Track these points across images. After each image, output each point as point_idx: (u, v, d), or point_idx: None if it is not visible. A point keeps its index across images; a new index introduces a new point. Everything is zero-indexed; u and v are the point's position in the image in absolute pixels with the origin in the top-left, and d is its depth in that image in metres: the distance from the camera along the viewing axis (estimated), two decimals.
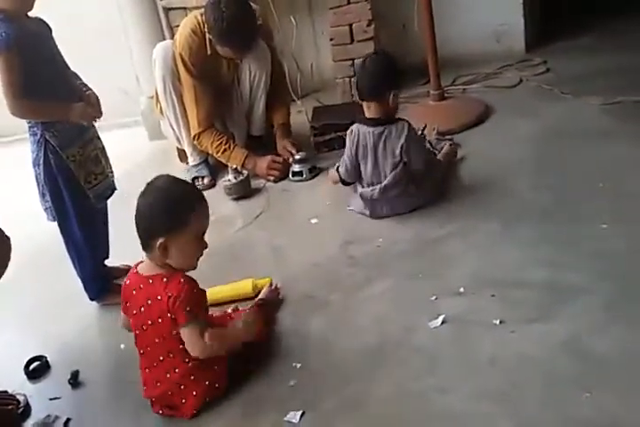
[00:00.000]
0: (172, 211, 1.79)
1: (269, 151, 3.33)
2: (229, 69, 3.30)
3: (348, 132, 2.63)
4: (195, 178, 3.34)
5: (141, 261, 1.89)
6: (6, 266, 1.96)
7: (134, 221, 1.82)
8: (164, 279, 1.78)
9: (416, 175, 2.57)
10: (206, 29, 3.05)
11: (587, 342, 1.73)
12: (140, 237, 1.82)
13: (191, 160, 3.42)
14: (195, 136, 3.27)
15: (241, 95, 3.38)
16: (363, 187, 2.63)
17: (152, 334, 1.80)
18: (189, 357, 1.80)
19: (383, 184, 2.54)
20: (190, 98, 3.22)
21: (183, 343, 1.79)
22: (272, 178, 3.20)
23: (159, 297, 1.77)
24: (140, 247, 1.84)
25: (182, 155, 3.53)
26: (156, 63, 3.28)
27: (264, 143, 3.48)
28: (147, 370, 1.86)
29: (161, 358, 1.81)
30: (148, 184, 1.83)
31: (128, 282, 1.85)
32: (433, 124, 3.03)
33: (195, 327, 1.77)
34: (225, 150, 3.23)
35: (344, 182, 2.73)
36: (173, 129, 3.39)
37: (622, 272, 1.96)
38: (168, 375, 1.81)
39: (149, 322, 1.80)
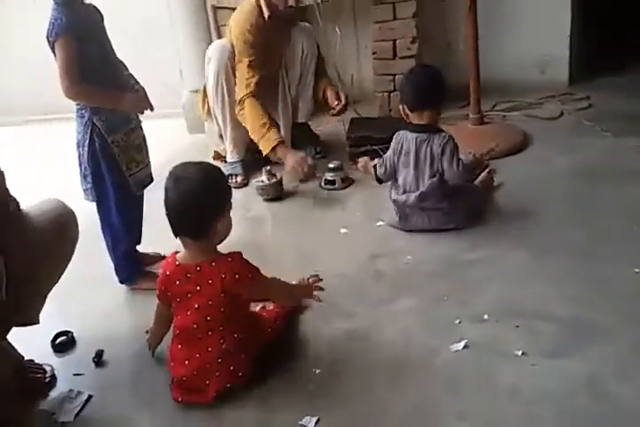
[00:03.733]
0: (223, 190, 1.89)
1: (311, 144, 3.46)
2: (280, 48, 3.40)
3: (395, 136, 2.69)
4: (229, 175, 3.37)
5: (176, 252, 1.92)
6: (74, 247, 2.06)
7: (175, 216, 1.83)
8: (213, 263, 1.84)
9: (451, 193, 2.60)
10: None
11: (608, 384, 1.74)
12: (191, 227, 1.84)
13: (229, 157, 3.46)
14: (241, 100, 3.23)
15: (289, 83, 3.47)
16: (398, 194, 2.67)
17: (196, 317, 1.86)
18: (225, 338, 1.86)
19: (420, 191, 2.58)
20: (244, 65, 3.22)
21: (224, 324, 1.86)
22: (299, 172, 3.19)
23: (210, 281, 1.83)
24: (187, 236, 1.85)
25: (216, 155, 3.58)
26: (212, 59, 3.33)
27: (308, 134, 3.59)
28: (179, 346, 1.90)
29: (199, 336, 1.86)
30: (176, 175, 1.84)
31: (169, 273, 1.89)
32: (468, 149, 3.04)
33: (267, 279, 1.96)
34: (263, 125, 3.18)
35: (378, 179, 2.77)
36: (219, 125, 3.42)
37: None
38: (198, 355, 1.86)
39: (196, 306, 1.85)
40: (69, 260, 2.05)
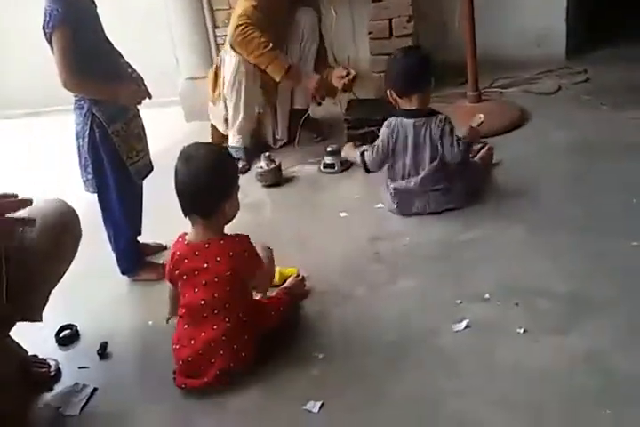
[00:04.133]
0: (232, 171, 1.97)
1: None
2: (283, 30, 3.36)
3: (386, 123, 2.66)
4: None
5: (185, 233, 1.96)
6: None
7: (186, 195, 1.88)
8: (221, 241, 1.89)
9: (451, 173, 2.59)
10: None
11: (609, 357, 1.75)
12: (201, 206, 1.88)
13: (232, 142, 3.43)
14: (244, 24, 3.14)
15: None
16: (396, 181, 2.66)
17: (203, 294, 1.88)
18: (231, 316, 1.89)
19: (421, 176, 2.58)
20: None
21: (230, 302, 1.89)
22: (318, 98, 3.20)
23: (218, 258, 1.87)
24: (197, 215, 1.88)
25: (215, 135, 3.56)
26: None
27: (307, 120, 3.56)
28: (185, 326, 1.92)
29: (205, 314, 1.89)
30: (187, 156, 1.88)
31: (179, 253, 1.92)
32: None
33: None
34: (271, 50, 3.15)
35: (365, 168, 2.76)
36: (227, 111, 3.39)
37: None
38: (204, 333, 1.88)
39: (203, 282, 1.88)
40: (71, 261, 2.06)
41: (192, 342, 1.89)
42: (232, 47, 3.21)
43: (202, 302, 1.88)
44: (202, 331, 1.89)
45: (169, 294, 2.04)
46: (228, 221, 1.96)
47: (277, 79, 3.23)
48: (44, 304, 1.97)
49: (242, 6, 3.20)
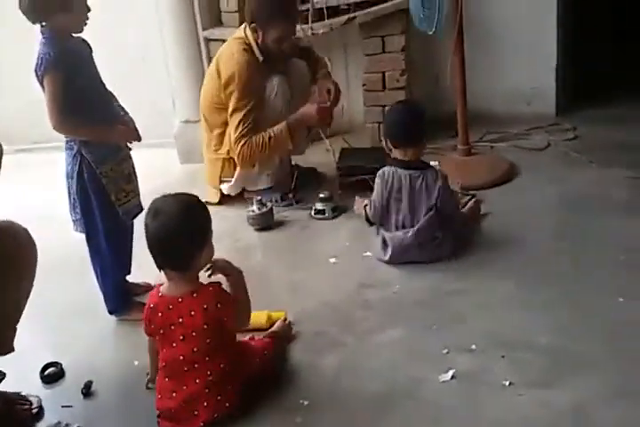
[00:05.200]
0: (203, 222, 1.89)
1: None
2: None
3: (380, 173, 2.71)
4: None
5: (160, 284, 1.94)
6: (34, 272, 2.03)
7: (157, 251, 1.85)
8: (194, 295, 1.86)
9: (444, 221, 2.63)
10: (253, 26, 3.13)
11: (593, 412, 1.76)
12: (173, 261, 1.86)
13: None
14: (243, 136, 3.15)
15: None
16: (390, 231, 2.69)
17: (182, 350, 1.86)
18: (213, 369, 1.87)
19: (416, 227, 2.61)
20: (243, 113, 3.15)
21: (210, 355, 1.87)
22: (329, 121, 3.23)
23: (192, 313, 1.84)
24: (170, 269, 1.87)
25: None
26: None
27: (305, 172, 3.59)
28: (166, 379, 1.90)
29: (185, 368, 1.87)
30: (154, 210, 1.85)
31: (152, 306, 1.90)
32: (456, 179, 3.08)
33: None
34: (270, 135, 3.15)
35: (369, 222, 2.80)
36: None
37: (634, 349, 2.00)
38: (185, 387, 1.86)
39: (181, 337, 1.86)
40: (30, 283, 2.03)
41: (174, 394, 1.88)
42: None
43: (181, 358, 1.86)
44: (183, 384, 1.87)
45: (148, 347, 2.02)
46: (202, 269, 1.92)
47: (289, 143, 3.24)
48: (13, 333, 1.96)
49: (234, 93, 3.15)
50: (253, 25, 3.14)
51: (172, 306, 1.86)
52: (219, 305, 1.85)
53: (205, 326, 1.84)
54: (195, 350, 1.85)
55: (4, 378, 1.97)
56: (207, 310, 1.84)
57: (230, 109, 3.19)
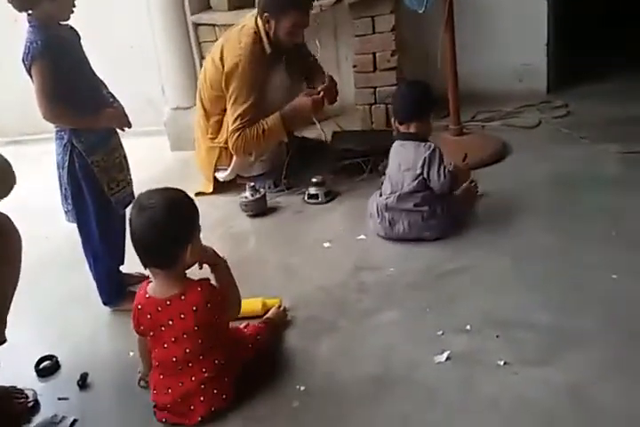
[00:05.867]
0: (189, 218, 1.84)
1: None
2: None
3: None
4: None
5: (148, 282, 1.90)
6: (19, 259, 2.01)
7: (141, 248, 1.81)
8: (182, 297, 1.82)
9: (433, 199, 2.64)
10: (266, 16, 3.08)
11: (588, 390, 1.76)
12: (158, 258, 1.82)
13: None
14: (238, 129, 3.15)
15: None
16: (379, 197, 2.74)
17: (174, 351, 1.85)
18: (207, 366, 1.86)
19: (398, 193, 2.64)
20: (245, 106, 3.14)
21: (204, 353, 1.85)
22: (328, 102, 3.23)
23: (182, 315, 1.81)
24: (154, 267, 1.84)
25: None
26: None
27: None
28: (160, 376, 1.90)
29: (180, 368, 1.86)
30: (139, 206, 1.80)
31: (140, 307, 1.87)
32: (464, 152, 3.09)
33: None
34: (264, 127, 3.15)
35: None
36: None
37: (628, 323, 2.00)
38: (181, 384, 1.86)
39: (173, 339, 1.84)
40: (17, 272, 2.01)
41: (169, 390, 1.87)
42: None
43: (174, 359, 1.85)
44: (179, 381, 1.86)
45: (138, 346, 2.00)
46: (190, 266, 1.89)
47: (285, 139, 3.27)
48: (4, 324, 1.95)
49: (235, 84, 3.13)
50: (266, 15, 3.10)
51: (161, 308, 1.83)
52: (208, 305, 1.82)
53: (196, 328, 1.82)
54: (187, 351, 1.84)
55: None
56: (197, 311, 1.81)
57: (231, 100, 3.17)
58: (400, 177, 2.66)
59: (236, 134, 3.17)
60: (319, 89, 3.25)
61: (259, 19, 3.12)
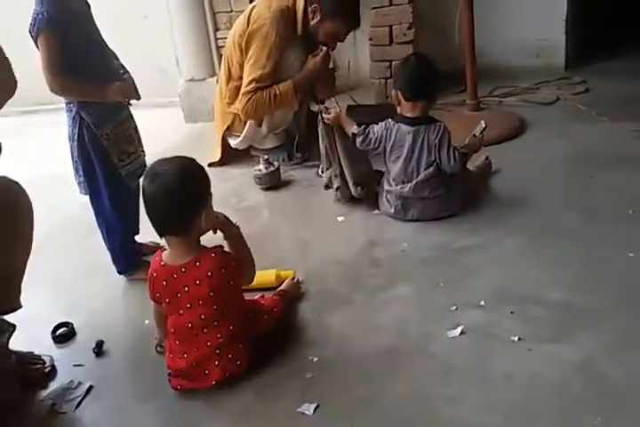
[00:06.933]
0: (202, 185, 1.85)
1: None
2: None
3: (384, 123, 2.67)
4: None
5: (163, 250, 1.92)
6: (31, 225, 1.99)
7: (155, 215, 1.82)
8: (197, 263, 1.83)
9: (447, 180, 2.61)
10: (314, 7, 3.06)
11: (601, 366, 1.76)
12: (172, 226, 1.83)
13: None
14: (250, 92, 3.15)
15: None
16: (391, 186, 2.68)
17: (189, 317, 1.86)
18: (222, 332, 1.87)
19: (415, 181, 2.60)
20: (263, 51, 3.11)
21: (219, 319, 1.87)
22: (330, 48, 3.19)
23: (198, 281, 1.83)
24: (170, 234, 1.85)
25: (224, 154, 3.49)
26: None
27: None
28: (176, 342, 1.91)
29: (195, 333, 1.88)
30: (152, 173, 1.81)
31: (155, 275, 1.88)
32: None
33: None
34: (275, 93, 3.15)
35: (354, 139, 2.74)
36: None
37: None
38: (196, 349, 1.88)
39: (188, 306, 1.86)
40: (29, 237, 1.99)
41: (185, 355, 1.89)
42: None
43: (189, 325, 1.87)
44: (194, 346, 1.88)
45: (154, 314, 2.01)
46: (203, 233, 1.89)
47: (296, 107, 3.25)
48: (19, 291, 1.95)
49: (256, 45, 3.11)
50: (315, 6, 3.06)
51: (177, 275, 1.85)
52: (223, 270, 1.84)
53: (211, 294, 1.84)
54: (202, 317, 1.86)
55: (14, 331, 1.97)
56: (212, 277, 1.82)
57: (249, 62, 3.16)
58: (414, 164, 2.60)
59: (248, 97, 3.16)
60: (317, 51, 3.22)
61: (306, 2, 3.08)
